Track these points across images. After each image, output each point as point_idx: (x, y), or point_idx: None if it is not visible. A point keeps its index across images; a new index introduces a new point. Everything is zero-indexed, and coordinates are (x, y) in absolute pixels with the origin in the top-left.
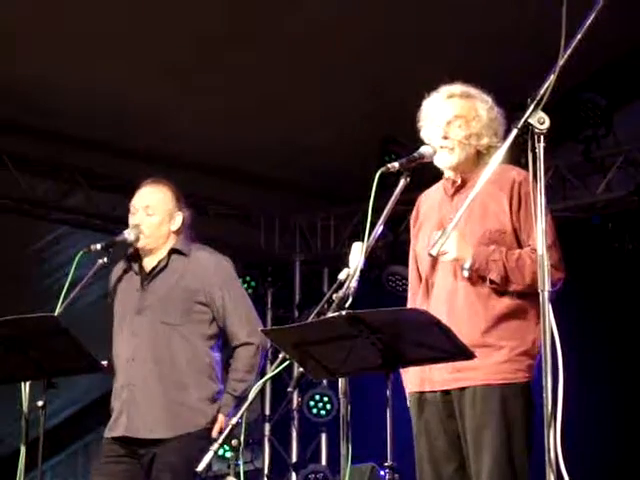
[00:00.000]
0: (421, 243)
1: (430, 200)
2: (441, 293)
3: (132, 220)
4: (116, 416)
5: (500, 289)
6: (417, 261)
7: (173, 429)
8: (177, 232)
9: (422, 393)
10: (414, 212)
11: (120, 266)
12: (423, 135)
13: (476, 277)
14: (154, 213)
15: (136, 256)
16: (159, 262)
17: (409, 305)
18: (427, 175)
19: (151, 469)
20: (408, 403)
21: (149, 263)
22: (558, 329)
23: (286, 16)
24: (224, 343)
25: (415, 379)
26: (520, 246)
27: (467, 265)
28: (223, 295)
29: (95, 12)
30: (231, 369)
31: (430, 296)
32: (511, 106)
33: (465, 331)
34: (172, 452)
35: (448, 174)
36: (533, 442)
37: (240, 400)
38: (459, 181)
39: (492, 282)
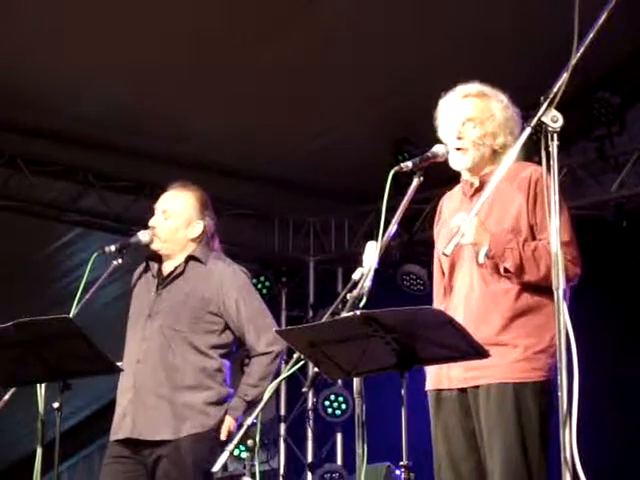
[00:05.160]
0: (441, 245)
1: (452, 202)
2: (459, 293)
3: (150, 221)
4: (120, 418)
5: (514, 279)
6: (441, 263)
7: (178, 431)
8: (196, 240)
9: (440, 391)
10: (437, 214)
11: (142, 266)
12: (440, 134)
13: (491, 266)
14: (170, 218)
15: (156, 258)
16: (176, 268)
17: (436, 306)
18: (443, 174)
19: (155, 469)
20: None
21: (167, 267)
22: (574, 327)
23: (302, 15)
24: (239, 345)
25: (433, 377)
26: None
27: (484, 251)
28: (238, 306)
29: (111, 19)
30: (245, 373)
31: (450, 296)
32: (525, 105)
33: (481, 330)
34: (177, 452)
35: (465, 176)
36: (550, 441)
37: (251, 405)
38: (477, 183)
39: (506, 271)
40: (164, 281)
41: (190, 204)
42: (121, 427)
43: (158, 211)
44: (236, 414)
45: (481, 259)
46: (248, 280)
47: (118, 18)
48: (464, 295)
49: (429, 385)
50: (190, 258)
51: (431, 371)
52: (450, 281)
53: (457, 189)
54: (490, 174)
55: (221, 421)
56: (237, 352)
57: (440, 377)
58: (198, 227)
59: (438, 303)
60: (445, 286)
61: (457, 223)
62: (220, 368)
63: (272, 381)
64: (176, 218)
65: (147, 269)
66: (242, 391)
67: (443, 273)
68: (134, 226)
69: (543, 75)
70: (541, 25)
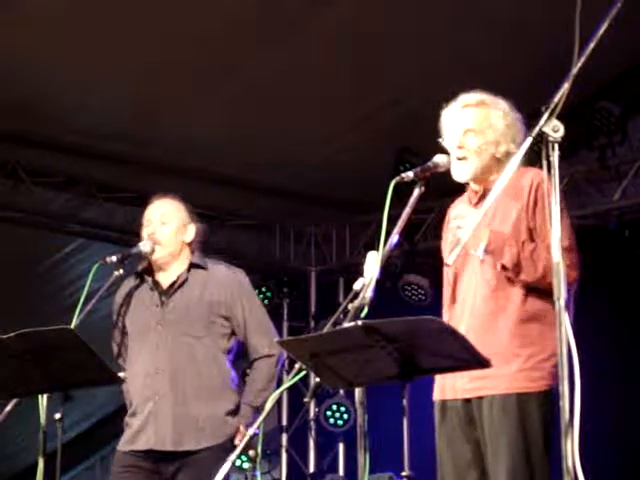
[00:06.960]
0: (445, 255)
1: (457, 210)
2: (463, 303)
3: (146, 231)
4: (138, 429)
5: (511, 277)
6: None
7: (200, 441)
8: (190, 244)
9: (444, 401)
10: (445, 224)
11: (129, 283)
12: (445, 144)
13: (490, 262)
14: (168, 221)
15: (148, 271)
16: (179, 276)
17: (444, 318)
18: (444, 184)
19: None
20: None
21: (166, 277)
22: (575, 337)
23: (304, 19)
24: (241, 355)
25: (438, 387)
26: None
27: (482, 245)
28: (243, 308)
29: (112, 28)
30: (250, 380)
31: (453, 306)
32: (529, 113)
33: (484, 339)
34: (199, 463)
35: (471, 184)
36: (552, 449)
37: (259, 410)
38: (481, 190)
39: (504, 268)
40: (167, 291)
41: (180, 208)
42: (140, 438)
43: (153, 219)
44: (246, 421)
45: (480, 254)
46: (249, 282)
47: (120, 28)
48: (467, 305)
49: (435, 395)
50: (192, 266)
51: (436, 381)
52: (454, 291)
53: (463, 198)
54: (494, 182)
55: (237, 430)
56: (238, 361)
57: (445, 388)
58: (191, 230)
59: (445, 311)
60: (451, 296)
61: (456, 224)
62: (233, 377)
63: (275, 387)
64: (173, 221)
65: (139, 284)
66: (249, 398)
67: (449, 282)
68: (136, 237)
69: (545, 84)
70: (543, 34)
